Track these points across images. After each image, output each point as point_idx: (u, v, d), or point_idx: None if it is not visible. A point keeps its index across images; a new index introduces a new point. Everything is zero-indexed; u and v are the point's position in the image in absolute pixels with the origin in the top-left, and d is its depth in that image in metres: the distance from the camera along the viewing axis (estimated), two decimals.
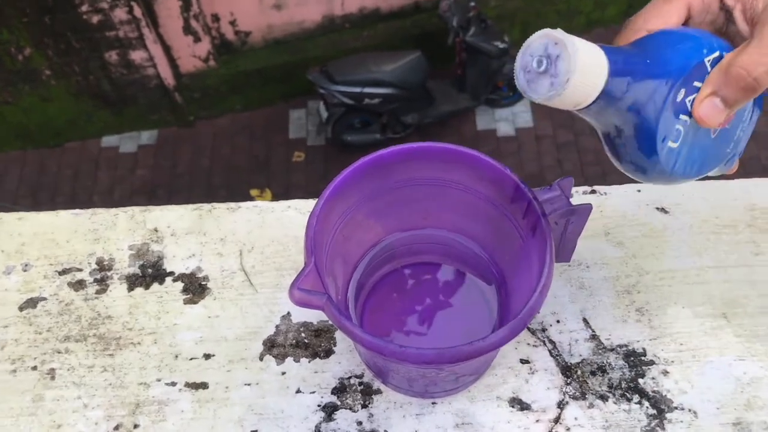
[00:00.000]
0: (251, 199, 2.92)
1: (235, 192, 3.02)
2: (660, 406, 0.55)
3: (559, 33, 0.36)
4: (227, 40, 3.21)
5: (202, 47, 3.13)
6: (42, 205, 3.01)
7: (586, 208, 0.49)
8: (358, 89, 2.86)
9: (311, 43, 3.25)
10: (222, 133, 3.27)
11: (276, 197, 2.92)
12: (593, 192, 0.66)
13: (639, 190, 0.66)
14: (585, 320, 0.59)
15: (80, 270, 0.64)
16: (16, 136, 3.24)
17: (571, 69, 0.36)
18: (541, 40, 0.37)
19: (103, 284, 0.63)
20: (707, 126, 0.40)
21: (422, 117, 3.04)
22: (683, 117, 0.40)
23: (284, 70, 3.22)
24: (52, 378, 0.58)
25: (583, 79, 0.36)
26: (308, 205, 0.67)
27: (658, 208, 0.65)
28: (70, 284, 0.63)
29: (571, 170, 2.95)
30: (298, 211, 0.67)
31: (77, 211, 0.67)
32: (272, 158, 3.15)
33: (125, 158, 3.23)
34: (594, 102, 0.38)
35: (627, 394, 0.56)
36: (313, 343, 0.59)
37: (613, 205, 0.65)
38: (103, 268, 0.64)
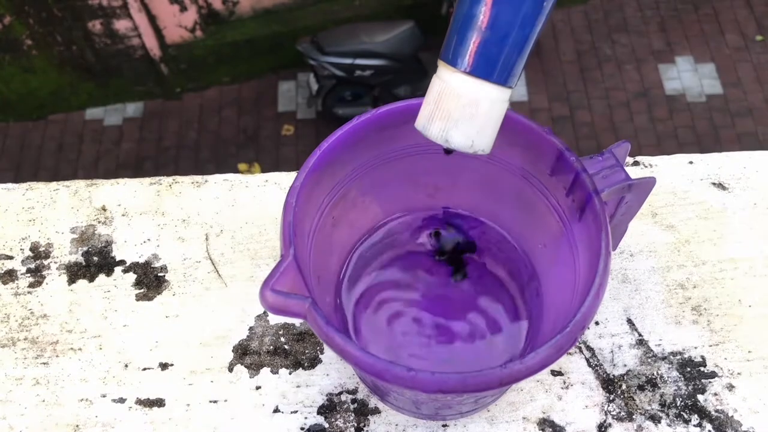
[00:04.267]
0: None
1: (223, 166, 2.99)
2: (725, 430, 0.45)
3: (445, 142, 0.34)
4: (214, 10, 3.16)
5: (188, 17, 3.07)
6: (25, 180, 2.96)
7: (649, 183, 0.38)
8: (349, 60, 2.81)
9: (301, 13, 3.19)
10: (209, 105, 3.23)
11: (265, 172, 2.86)
12: (636, 164, 0.55)
13: (691, 162, 0.55)
14: (630, 321, 0.49)
15: (10, 258, 0.53)
16: None
17: (484, 144, 0.35)
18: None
19: (37, 275, 0.52)
20: None
21: (415, 90, 2.98)
22: None
23: (273, 41, 3.17)
24: None
25: (495, 129, 0.35)
26: (291, 178, 0.55)
27: (714, 184, 0.54)
28: None
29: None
30: (278, 186, 0.55)
31: (9, 185, 0.56)
32: (261, 132, 3.11)
33: (110, 131, 3.19)
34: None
35: (684, 414, 0.45)
36: (295, 350, 0.48)
37: (660, 180, 0.54)
38: (39, 255, 0.52)
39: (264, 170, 2.94)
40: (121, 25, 2.97)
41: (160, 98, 3.24)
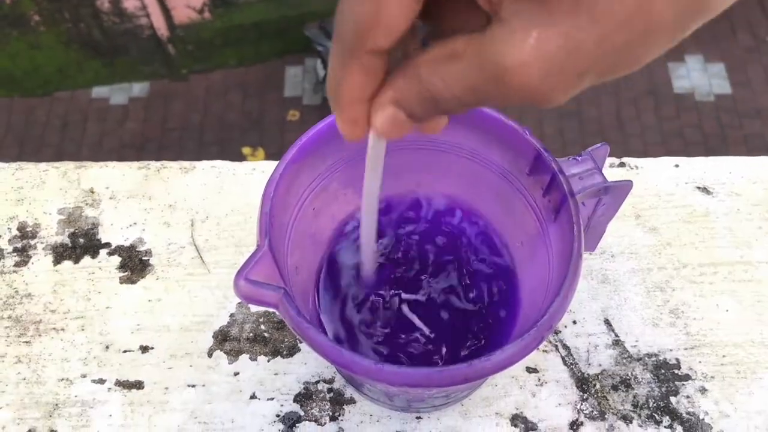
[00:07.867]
0: (243, 158, 2.85)
1: (227, 150, 2.96)
2: None
3: None
4: None
5: None
6: (28, 156, 2.96)
7: (625, 187, 0.38)
8: None
9: None
10: (215, 88, 3.21)
11: (269, 157, 2.87)
12: (622, 165, 0.55)
13: (677, 165, 0.55)
14: (607, 322, 0.49)
15: None
16: (2, 82, 3.18)
17: None
18: None
19: (23, 255, 0.52)
20: None
21: None
22: None
23: (281, 25, 3.15)
24: None
25: None
26: None
27: (699, 188, 0.54)
28: None
29: (572, 140, 2.86)
30: (265, 175, 0.55)
31: (0, 164, 0.56)
32: (266, 116, 3.09)
33: (115, 110, 3.16)
34: None
35: (655, 416, 0.46)
36: (274, 338, 0.48)
37: (645, 182, 0.54)
38: (26, 235, 0.53)
39: (268, 155, 2.93)
40: (129, 3, 2.94)
41: (167, 79, 3.22)
